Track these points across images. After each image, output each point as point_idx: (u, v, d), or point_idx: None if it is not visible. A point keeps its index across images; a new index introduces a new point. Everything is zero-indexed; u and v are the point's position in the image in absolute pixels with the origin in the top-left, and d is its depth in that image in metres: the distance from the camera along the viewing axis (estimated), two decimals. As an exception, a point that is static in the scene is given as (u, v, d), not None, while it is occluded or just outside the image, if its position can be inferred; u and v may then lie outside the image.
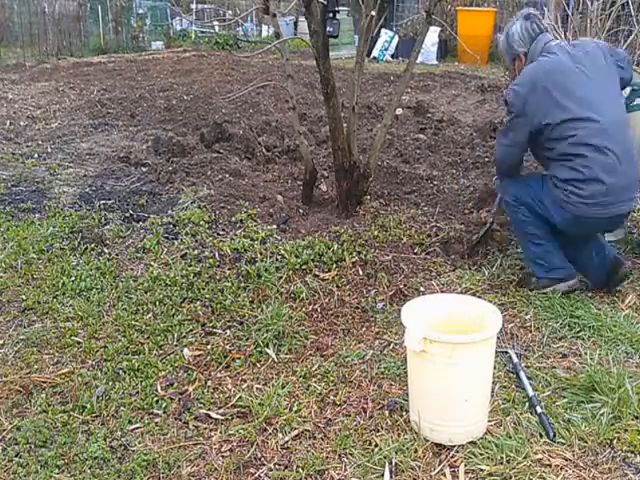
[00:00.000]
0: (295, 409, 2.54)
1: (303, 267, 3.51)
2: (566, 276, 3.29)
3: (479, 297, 3.12)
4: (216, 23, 14.04)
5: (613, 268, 3.31)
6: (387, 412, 2.51)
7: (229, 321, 3.15)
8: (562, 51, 3.23)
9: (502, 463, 2.23)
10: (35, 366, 2.83)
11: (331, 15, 3.79)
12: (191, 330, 3.09)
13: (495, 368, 2.61)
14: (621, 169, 3.09)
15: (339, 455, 2.31)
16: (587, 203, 3.09)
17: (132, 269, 3.61)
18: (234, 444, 2.39)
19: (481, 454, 2.28)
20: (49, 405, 2.59)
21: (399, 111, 6.72)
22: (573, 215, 3.14)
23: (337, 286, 3.40)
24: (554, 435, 2.35)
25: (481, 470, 2.21)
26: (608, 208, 3.11)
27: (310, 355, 2.92)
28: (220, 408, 2.58)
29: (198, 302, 3.28)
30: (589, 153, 3.07)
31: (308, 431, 2.44)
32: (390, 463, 2.24)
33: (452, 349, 2.23)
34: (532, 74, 3.21)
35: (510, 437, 2.34)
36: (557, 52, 3.23)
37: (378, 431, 2.42)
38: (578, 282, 3.31)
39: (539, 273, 3.34)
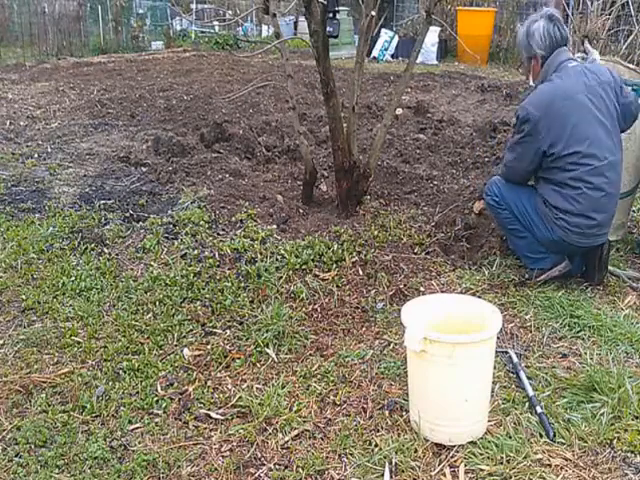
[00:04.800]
0: (295, 409, 2.54)
1: (303, 267, 3.51)
2: (554, 262, 3.38)
3: (479, 297, 3.13)
4: (216, 23, 14.04)
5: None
6: (387, 412, 2.51)
7: (229, 321, 3.15)
8: (578, 77, 3.23)
9: (502, 463, 2.23)
10: (35, 366, 2.83)
11: (331, 15, 3.79)
12: (191, 330, 3.09)
13: (495, 368, 2.61)
14: (607, 207, 3.26)
15: (339, 455, 2.31)
16: (573, 231, 3.24)
17: (132, 269, 3.61)
18: (234, 444, 2.39)
19: (481, 454, 2.28)
20: (49, 405, 2.58)
21: (399, 111, 6.72)
22: (558, 237, 3.27)
23: (337, 286, 3.40)
24: (554, 435, 2.35)
25: (481, 470, 2.21)
26: (591, 239, 3.29)
27: (310, 355, 2.92)
28: (220, 408, 2.58)
29: (198, 302, 3.28)
30: (586, 190, 3.18)
31: (308, 431, 2.44)
32: (390, 463, 2.25)
33: (452, 349, 2.23)
34: (548, 98, 3.21)
35: (510, 437, 2.34)
36: (573, 76, 3.23)
37: (378, 431, 2.42)
38: (569, 264, 3.39)
39: (529, 264, 3.45)
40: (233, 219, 4.08)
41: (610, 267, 3.52)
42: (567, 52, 3.34)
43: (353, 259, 3.60)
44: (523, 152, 3.28)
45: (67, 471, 2.27)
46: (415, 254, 3.75)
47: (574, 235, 3.24)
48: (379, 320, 3.18)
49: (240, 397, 2.61)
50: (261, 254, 3.61)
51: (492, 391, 2.51)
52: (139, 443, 2.40)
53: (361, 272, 3.53)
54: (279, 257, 3.59)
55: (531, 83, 3.50)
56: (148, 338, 3.02)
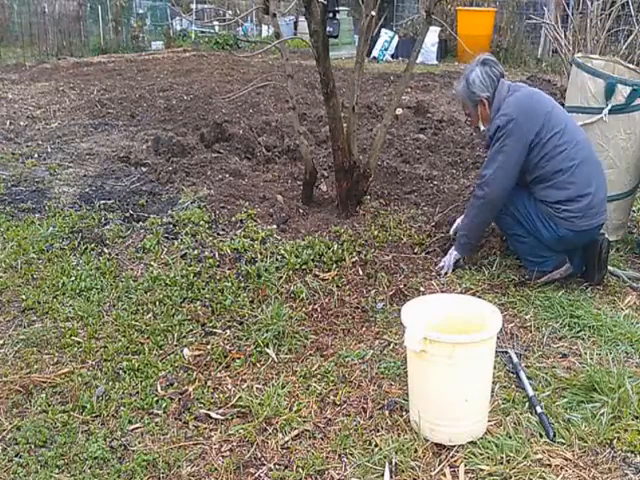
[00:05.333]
0: (295, 409, 2.54)
1: (303, 267, 3.51)
2: (556, 265, 3.40)
3: (479, 297, 3.13)
4: (216, 23, 14.06)
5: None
6: (387, 412, 2.51)
7: (229, 321, 3.15)
8: (531, 88, 3.51)
9: (502, 463, 2.23)
10: (35, 366, 2.83)
11: (331, 15, 3.79)
12: (191, 330, 3.09)
13: (495, 368, 2.61)
14: (597, 178, 3.32)
15: (339, 455, 2.31)
16: (577, 216, 3.26)
17: (132, 269, 3.61)
18: (234, 444, 2.39)
19: (481, 454, 2.28)
20: (49, 405, 2.58)
21: (399, 111, 6.72)
22: (564, 231, 3.28)
23: (337, 286, 3.40)
24: (554, 435, 2.35)
25: (481, 470, 2.21)
26: (595, 218, 3.30)
27: (310, 355, 2.92)
28: (220, 408, 2.58)
29: (198, 302, 3.28)
30: (576, 169, 3.25)
31: (308, 431, 2.44)
32: (390, 463, 2.24)
33: (452, 349, 2.23)
34: (517, 101, 3.34)
35: (510, 437, 2.34)
36: (527, 88, 3.48)
37: (378, 431, 2.42)
38: (570, 267, 3.41)
39: (530, 267, 3.45)
40: (233, 219, 4.08)
41: (610, 267, 3.52)
42: (507, 81, 3.47)
43: (353, 259, 3.60)
44: (507, 157, 3.27)
45: (67, 471, 2.27)
46: (415, 254, 3.75)
47: (578, 220, 3.25)
48: (379, 320, 3.18)
49: (240, 397, 2.61)
50: (261, 254, 3.61)
51: (492, 391, 2.51)
52: (139, 443, 2.40)
53: (361, 272, 3.53)
54: (279, 257, 3.59)
55: (482, 128, 3.54)
56: (148, 338, 3.02)
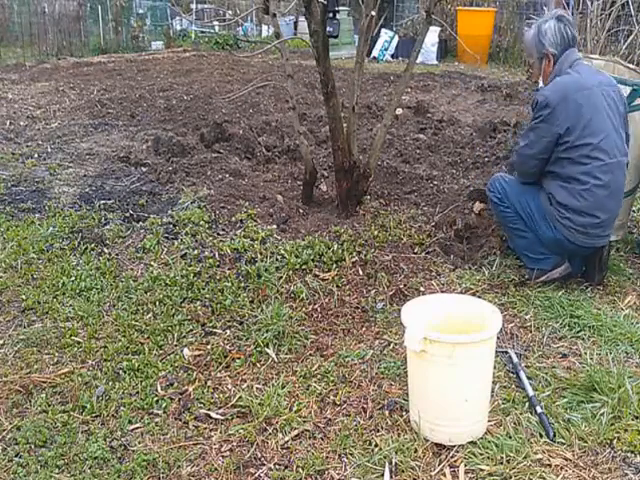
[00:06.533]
0: (295, 409, 2.54)
1: (303, 267, 3.51)
2: (555, 264, 3.37)
3: (479, 297, 3.13)
4: (216, 23, 14.05)
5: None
6: (387, 412, 2.51)
7: (229, 321, 3.15)
8: (593, 74, 3.30)
9: (502, 463, 2.23)
10: (35, 366, 2.83)
11: (331, 15, 3.79)
12: (191, 330, 3.09)
13: (495, 368, 2.61)
14: (611, 207, 3.26)
15: (339, 455, 2.31)
16: (578, 230, 3.24)
17: (132, 269, 3.61)
18: (234, 444, 2.39)
19: (481, 454, 2.28)
20: (49, 405, 2.58)
21: (399, 111, 6.72)
22: (562, 236, 3.27)
23: (337, 286, 3.40)
24: (554, 435, 2.35)
25: (481, 470, 2.21)
26: (594, 239, 3.31)
27: (310, 355, 2.92)
28: (220, 408, 2.58)
29: (198, 302, 3.28)
30: (594, 186, 3.18)
31: (308, 431, 2.44)
32: (390, 463, 2.24)
33: (452, 349, 2.23)
34: (565, 85, 3.23)
35: (510, 437, 2.34)
36: (588, 72, 3.29)
37: (378, 431, 2.42)
38: (569, 266, 3.39)
39: (529, 264, 3.44)
40: (233, 219, 4.08)
41: None
42: (577, 53, 3.36)
43: (353, 259, 3.60)
44: (536, 138, 3.26)
45: (67, 471, 2.27)
46: (415, 254, 3.75)
47: (579, 235, 3.25)
48: (379, 320, 3.18)
49: (240, 397, 2.61)
50: (261, 254, 3.61)
51: (492, 391, 2.51)
52: (139, 443, 2.40)
53: (361, 272, 3.53)
54: (279, 257, 3.59)
55: (541, 84, 3.48)
56: (148, 338, 3.02)
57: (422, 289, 3.41)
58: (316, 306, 3.26)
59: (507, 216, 3.44)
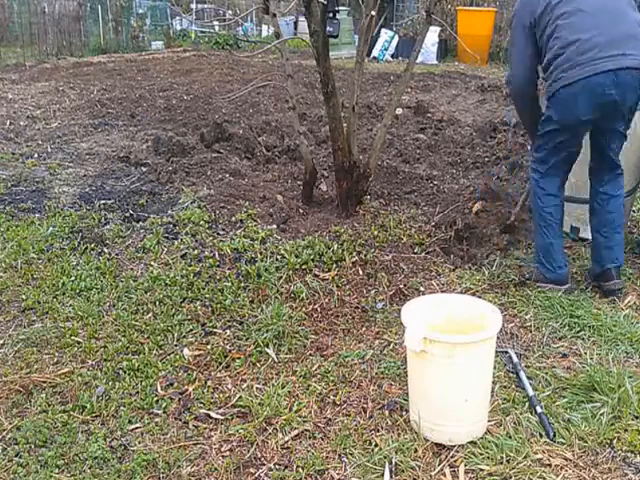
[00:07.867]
0: (295, 409, 2.54)
1: (303, 267, 3.51)
2: (558, 280, 3.33)
3: (479, 297, 3.13)
4: (216, 23, 14.05)
5: (603, 276, 3.36)
6: (387, 412, 2.51)
7: (229, 321, 3.15)
8: None
9: (502, 463, 2.23)
10: (35, 366, 2.83)
11: (331, 15, 3.79)
12: (191, 330, 3.09)
13: (495, 368, 2.61)
14: (601, 25, 3.01)
15: (339, 455, 2.31)
16: (564, 68, 3.05)
17: (132, 269, 3.61)
18: (234, 444, 2.39)
19: (481, 454, 2.28)
20: (49, 405, 2.58)
21: (399, 111, 6.73)
22: (560, 87, 3.07)
23: (337, 286, 3.40)
24: (554, 435, 2.35)
25: (481, 470, 2.21)
26: (590, 65, 2.99)
27: (310, 355, 2.92)
28: (220, 408, 2.58)
29: (198, 302, 3.28)
30: (567, 19, 3.05)
31: (308, 431, 2.43)
32: (390, 463, 2.24)
33: (452, 349, 2.23)
34: None
35: (510, 437, 2.34)
36: None
37: (378, 431, 2.42)
38: (571, 287, 3.35)
39: (539, 264, 3.40)
40: (233, 219, 4.08)
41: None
42: None
43: (353, 259, 3.60)
44: (515, 47, 3.32)
45: (67, 471, 2.27)
46: (415, 254, 3.75)
47: (571, 71, 3.03)
48: (379, 320, 3.18)
49: (240, 397, 2.61)
50: (261, 254, 3.61)
51: (492, 391, 2.51)
52: (139, 443, 2.40)
53: (361, 272, 3.53)
54: (279, 257, 3.59)
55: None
56: (148, 338, 3.02)
57: (422, 289, 3.41)
58: (316, 306, 3.26)
59: (540, 202, 3.35)
